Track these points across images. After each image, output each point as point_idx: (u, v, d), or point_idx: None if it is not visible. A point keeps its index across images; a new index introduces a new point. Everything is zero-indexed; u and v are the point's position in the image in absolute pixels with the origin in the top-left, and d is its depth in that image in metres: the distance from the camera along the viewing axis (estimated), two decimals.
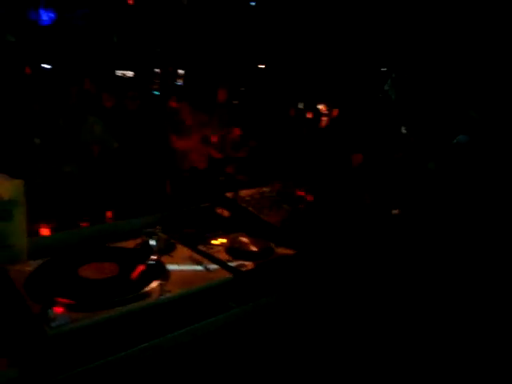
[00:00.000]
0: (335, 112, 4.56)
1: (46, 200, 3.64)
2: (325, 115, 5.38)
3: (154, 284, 1.34)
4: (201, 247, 1.66)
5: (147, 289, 1.31)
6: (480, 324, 2.06)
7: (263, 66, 11.65)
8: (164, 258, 1.53)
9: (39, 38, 12.76)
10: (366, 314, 1.88)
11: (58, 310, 1.17)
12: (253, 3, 11.91)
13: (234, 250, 1.62)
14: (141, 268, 1.39)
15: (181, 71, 12.00)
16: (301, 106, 7.22)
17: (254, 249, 1.62)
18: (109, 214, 4.03)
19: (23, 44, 12.43)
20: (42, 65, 11.33)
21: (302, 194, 2.14)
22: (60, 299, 1.20)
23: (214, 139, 3.98)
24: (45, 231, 3.14)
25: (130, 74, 12.74)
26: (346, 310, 1.79)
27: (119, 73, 12.64)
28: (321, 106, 5.62)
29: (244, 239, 1.66)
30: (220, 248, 1.66)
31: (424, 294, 2.06)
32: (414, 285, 2.05)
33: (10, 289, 1.32)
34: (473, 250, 2.16)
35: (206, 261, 1.55)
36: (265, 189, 2.12)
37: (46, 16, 12.68)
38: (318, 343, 1.72)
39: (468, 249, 2.15)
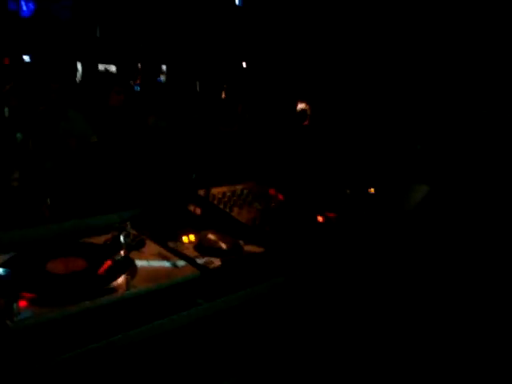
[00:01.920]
0: (309, 110, 4.59)
1: (24, 195, 3.61)
2: (303, 114, 5.41)
3: (121, 279, 1.36)
4: (170, 244, 1.68)
5: (114, 284, 1.33)
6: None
7: (244, 64, 11.67)
8: (133, 254, 1.55)
9: (19, 30, 12.56)
10: (335, 313, 1.93)
11: (22, 303, 1.19)
12: (237, 2, 11.91)
13: (202, 246, 1.64)
14: (108, 263, 1.40)
15: (163, 66, 11.94)
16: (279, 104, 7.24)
17: (222, 246, 1.65)
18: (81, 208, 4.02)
19: (2, 35, 12.22)
20: (22, 56, 11.16)
21: (273, 192, 2.17)
22: (25, 293, 1.22)
23: None
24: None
25: (112, 68, 12.63)
26: (313, 306, 1.83)
27: (102, 67, 12.53)
28: (301, 105, 5.65)
29: (213, 236, 1.69)
30: (189, 245, 1.68)
31: (392, 282, 2.11)
32: (385, 275, 2.10)
33: None
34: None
35: (174, 257, 1.58)
36: (237, 187, 2.15)
37: (26, 7, 12.48)
38: (285, 340, 1.76)
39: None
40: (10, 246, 1.51)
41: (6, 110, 3.70)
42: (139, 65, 10.78)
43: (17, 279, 1.30)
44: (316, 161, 2.84)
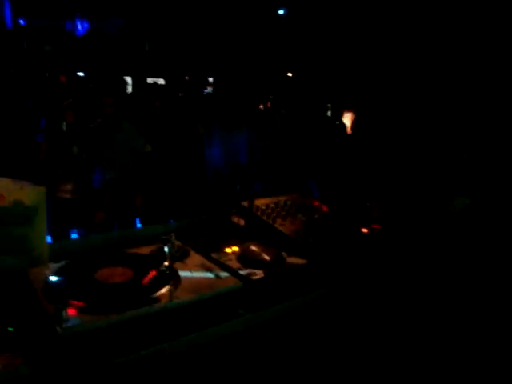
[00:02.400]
0: (352, 120, 4.53)
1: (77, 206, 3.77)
2: (350, 122, 5.34)
3: (165, 289, 1.38)
4: (213, 255, 1.69)
5: (157, 294, 1.35)
6: (480, 324, 2.02)
7: (290, 74, 11.71)
8: (177, 265, 1.57)
9: (75, 48, 13.21)
10: (379, 326, 1.88)
11: (71, 311, 1.23)
12: (281, 12, 12.00)
13: (245, 258, 1.65)
14: (152, 274, 1.43)
15: (210, 79, 12.18)
16: (329, 114, 7.18)
17: (265, 257, 1.64)
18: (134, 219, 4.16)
19: (59, 53, 12.88)
20: (78, 73, 11.71)
21: (317, 204, 2.15)
22: (74, 301, 1.26)
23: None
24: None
25: (161, 81, 13.02)
26: (358, 319, 1.79)
27: (150, 80, 12.95)
28: (347, 114, 5.59)
29: (256, 248, 1.69)
30: (232, 256, 1.69)
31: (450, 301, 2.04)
32: (432, 297, 2.03)
33: (29, 291, 1.38)
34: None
35: (217, 268, 1.59)
36: (281, 198, 2.14)
37: (80, 26, 13.12)
38: (328, 353, 1.73)
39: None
40: (61, 256, 1.58)
41: (64, 125, 3.88)
42: (186, 77, 11.03)
43: (67, 287, 1.35)
44: (361, 171, 2.80)
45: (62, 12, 12.92)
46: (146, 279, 1.41)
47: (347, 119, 5.44)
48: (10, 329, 1.21)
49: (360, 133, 4.85)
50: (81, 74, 11.53)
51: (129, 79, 12.24)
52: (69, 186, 3.81)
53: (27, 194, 1.50)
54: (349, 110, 5.44)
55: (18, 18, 12.50)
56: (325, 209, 2.17)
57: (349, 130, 5.26)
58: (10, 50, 10.40)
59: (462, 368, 1.94)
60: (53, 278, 1.38)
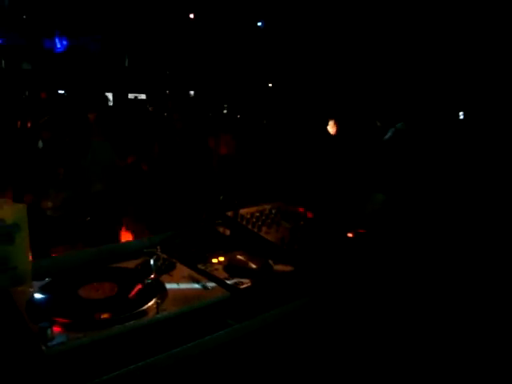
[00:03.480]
0: (336, 128, 4.59)
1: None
2: (333, 130, 5.40)
3: (151, 303, 1.36)
4: (200, 266, 1.68)
5: (144, 307, 1.34)
6: (480, 324, 2.04)
7: (270, 85, 11.80)
8: (163, 278, 1.56)
9: (55, 65, 13.15)
10: (370, 331, 1.88)
11: (56, 329, 1.21)
12: (260, 24, 12.12)
13: (231, 267, 1.64)
14: (138, 287, 1.42)
15: (191, 92, 12.22)
16: (309, 122, 7.24)
17: (251, 266, 1.64)
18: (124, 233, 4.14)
19: (39, 71, 12.80)
20: (58, 90, 11.64)
21: (301, 211, 2.16)
22: (58, 319, 1.24)
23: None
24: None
25: (142, 96, 13.02)
26: (347, 325, 1.79)
27: (131, 95, 12.93)
28: (330, 122, 5.65)
29: (242, 257, 1.69)
30: (219, 266, 1.68)
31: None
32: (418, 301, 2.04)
33: (12, 310, 1.36)
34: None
35: (204, 279, 1.58)
36: (265, 206, 2.15)
37: (60, 43, 13.07)
38: (318, 359, 1.73)
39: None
40: (44, 273, 1.55)
41: (40, 142, 3.87)
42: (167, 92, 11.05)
43: (51, 305, 1.33)
44: (344, 177, 2.82)
45: (41, 30, 12.87)
46: (132, 293, 1.39)
47: (330, 127, 5.52)
48: None
49: (343, 139, 4.90)
50: (61, 91, 11.46)
51: (109, 95, 12.21)
52: (49, 203, 3.77)
53: (8, 211, 1.48)
54: (331, 119, 5.52)
55: None
56: (309, 215, 2.18)
57: (333, 137, 5.32)
58: None
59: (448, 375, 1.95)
60: (36, 296, 1.36)
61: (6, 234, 1.46)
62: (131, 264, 1.67)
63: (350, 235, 2.06)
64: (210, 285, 1.54)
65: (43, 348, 1.14)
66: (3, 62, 12.42)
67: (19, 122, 4.32)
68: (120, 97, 11.84)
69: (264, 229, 1.95)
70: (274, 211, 2.12)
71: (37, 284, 1.46)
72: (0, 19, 11.94)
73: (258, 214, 2.05)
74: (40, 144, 3.90)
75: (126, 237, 4.16)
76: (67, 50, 13.33)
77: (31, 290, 1.41)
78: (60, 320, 1.24)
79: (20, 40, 13.00)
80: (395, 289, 1.95)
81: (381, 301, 1.90)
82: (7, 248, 1.47)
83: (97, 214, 3.87)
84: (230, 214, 1.99)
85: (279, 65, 11.20)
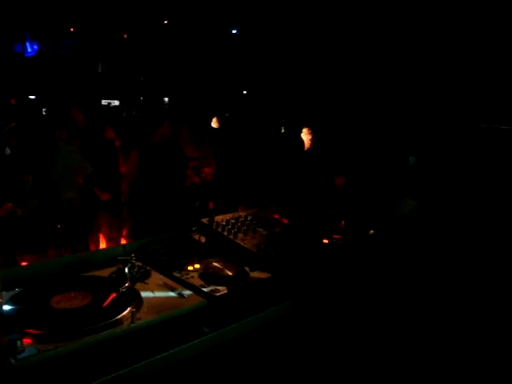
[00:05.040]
0: (312, 137, 4.63)
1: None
2: (307, 138, 5.44)
3: (126, 312, 1.34)
4: (175, 274, 1.66)
5: (118, 317, 1.31)
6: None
7: (245, 92, 11.83)
8: (138, 286, 1.54)
9: (24, 70, 12.88)
10: (346, 334, 1.89)
11: (27, 341, 1.17)
12: (234, 31, 12.16)
13: (207, 275, 1.63)
14: (112, 296, 1.39)
15: (166, 99, 12.13)
16: (282, 129, 7.27)
17: (227, 273, 1.63)
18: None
19: (8, 75, 12.51)
20: (28, 96, 11.40)
21: (277, 217, 2.17)
22: (29, 330, 1.20)
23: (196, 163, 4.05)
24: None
25: (115, 102, 12.86)
26: (324, 331, 1.80)
27: (105, 102, 12.76)
28: (304, 130, 5.69)
29: (218, 264, 1.68)
30: (194, 274, 1.66)
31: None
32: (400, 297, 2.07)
33: None
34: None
35: (180, 287, 1.56)
36: (241, 213, 2.14)
37: (30, 48, 12.81)
38: (298, 365, 1.73)
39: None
40: (14, 283, 1.51)
41: (7, 149, 3.76)
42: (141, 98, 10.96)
43: (21, 316, 1.29)
44: (318, 184, 2.84)
45: (12, 33, 12.60)
46: (106, 302, 1.37)
47: (304, 135, 5.56)
48: None
49: (317, 147, 4.94)
50: (31, 96, 11.23)
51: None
52: (18, 211, 3.67)
53: None
54: (305, 127, 5.57)
55: None
56: (285, 221, 2.19)
57: (307, 145, 5.36)
58: None
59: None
60: (5, 307, 1.32)
61: None
62: (105, 272, 1.64)
63: (325, 241, 2.07)
64: (186, 293, 1.52)
65: (12, 361, 1.11)
66: None
67: None
68: (93, 103, 11.67)
69: (240, 235, 1.94)
70: (249, 218, 2.11)
71: (6, 294, 1.42)
72: None
73: (233, 221, 2.04)
74: (7, 151, 3.79)
75: (98, 244, 4.09)
76: (38, 54, 13.08)
77: (1, 300, 1.37)
78: (31, 331, 1.20)
79: None
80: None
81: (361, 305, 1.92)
82: None
83: (67, 222, 3.79)
84: (205, 220, 1.98)
85: (255, 71, 11.25)
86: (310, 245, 2.01)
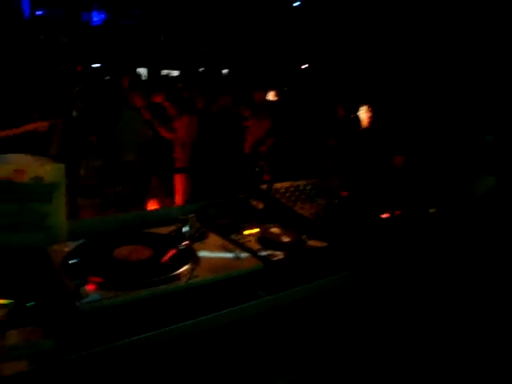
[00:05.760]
0: (371, 114, 4.46)
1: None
2: (366, 116, 5.30)
3: (184, 268, 1.36)
4: (233, 236, 1.67)
5: (177, 272, 1.33)
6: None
7: (305, 66, 11.62)
8: (196, 246, 1.55)
9: (91, 38, 13.27)
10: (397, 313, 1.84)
11: (91, 287, 1.22)
12: (297, 4, 11.90)
13: (265, 239, 1.62)
14: (172, 252, 1.41)
15: (225, 70, 12.15)
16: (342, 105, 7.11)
17: (285, 240, 1.62)
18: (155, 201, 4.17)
19: (76, 44, 12.94)
20: (93, 64, 11.77)
21: (337, 188, 2.12)
22: (93, 277, 1.25)
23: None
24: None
25: (175, 73, 13.02)
26: (375, 305, 1.76)
27: (165, 72, 12.96)
28: (363, 107, 5.54)
29: (276, 230, 1.66)
30: (251, 238, 1.66)
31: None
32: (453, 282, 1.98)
33: (49, 267, 1.37)
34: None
35: (237, 249, 1.56)
36: (300, 182, 2.11)
37: (97, 17, 13.17)
38: (347, 338, 1.70)
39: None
40: (80, 234, 1.56)
41: (74, 111, 3.90)
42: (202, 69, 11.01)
43: (86, 264, 1.33)
44: (380, 158, 2.75)
45: (80, 3, 12.99)
46: (165, 257, 1.39)
47: (363, 113, 5.41)
48: (30, 303, 1.20)
49: (377, 125, 4.79)
50: (97, 65, 11.57)
51: (143, 70, 12.26)
52: (82, 172, 3.81)
53: (47, 170, 1.49)
54: (364, 104, 5.41)
55: (36, 9, 12.60)
56: (344, 193, 2.14)
57: (365, 124, 5.22)
58: (27, 40, 10.47)
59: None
60: (72, 255, 1.37)
61: (45, 192, 1.48)
62: (165, 230, 1.66)
63: (385, 216, 2.01)
64: (243, 255, 1.52)
65: (77, 304, 1.15)
66: (42, 34, 12.59)
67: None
68: (154, 72, 11.88)
69: (298, 204, 1.92)
70: (308, 187, 2.08)
71: (72, 244, 1.48)
72: None
73: (292, 189, 2.02)
74: (74, 113, 3.93)
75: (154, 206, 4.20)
76: (104, 23, 13.43)
77: (67, 248, 1.43)
78: (94, 279, 1.24)
79: (59, 12, 13.16)
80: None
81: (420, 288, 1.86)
82: (45, 206, 1.48)
83: (127, 184, 3.91)
84: (264, 187, 1.97)
85: (315, 46, 11.01)
86: (368, 218, 1.95)
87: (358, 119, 5.13)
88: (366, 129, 5.05)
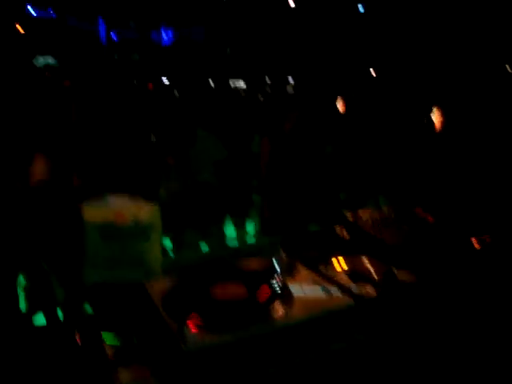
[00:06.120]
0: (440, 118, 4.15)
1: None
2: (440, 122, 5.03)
3: (279, 307, 1.38)
4: (321, 268, 1.66)
5: (272, 312, 1.36)
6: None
7: (373, 72, 11.39)
8: (286, 280, 1.57)
9: (160, 56, 13.85)
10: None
11: (193, 328, 1.27)
12: (361, 10, 11.72)
13: (355, 273, 1.61)
14: (267, 291, 1.43)
15: (291, 79, 12.19)
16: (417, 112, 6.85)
17: (376, 274, 1.59)
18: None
19: (146, 62, 13.55)
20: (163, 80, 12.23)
21: (420, 213, 2.05)
22: (194, 319, 1.30)
23: None
24: None
25: (241, 83, 13.23)
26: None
27: (231, 82, 13.21)
28: (437, 112, 5.27)
29: (364, 262, 1.65)
30: (341, 270, 1.65)
31: None
32: None
33: (148, 303, 1.45)
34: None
35: (327, 284, 1.55)
36: (383, 208, 2.07)
37: (165, 35, 13.73)
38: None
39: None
40: (171, 268, 1.63)
41: (152, 136, 4.07)
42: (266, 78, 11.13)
43: (186, 304, 1.38)
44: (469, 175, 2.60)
45: (148, 22, 13.61)
46: (262, 297, 1.42)
47: (435, 116, 5.12)
48: (135, 340, 1.28)
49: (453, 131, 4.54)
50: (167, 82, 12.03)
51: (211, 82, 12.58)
52: (161, 192, 3.95)
53: (143, 211, 1.57)
54: (436, 106, 5.12)
55: (110, 31, 13.34)
56: (430, 219, 2.07)
57: (438, 128, 4.95)
58: (104, 64, 11.10)
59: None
60: (171, 295, 1.43)
61: (143, 232, 1.56)
62: (253, 262, 1.68)
63: (476, 243, 1.91)
64: (334, 290, 1.51)
65: (182, 346, 1.20)
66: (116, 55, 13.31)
67: None
68: (221, 83, 12.13)
69: (383, 231, 1.88)
70: (392, 214, 2.04)
71: (169, 280, 1.54)
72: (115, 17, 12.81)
73: (376, 216, 1.98)
74: (153, 138, 4.09)
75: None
76: (173, 43, 13.97)
77: (165, 285, 1.49)
78: (195, 320, 1.30)
79: (130, 33, 13.85)
80: None
81: None
82: (143, 245, 1.57)
83: (203, 204, 3.99)
84: (349, 215, 1.95)
85: (383, 49, 10.77)
86: (457, 246, 1.87)
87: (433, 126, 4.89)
88: (443, 138, 4.78)
